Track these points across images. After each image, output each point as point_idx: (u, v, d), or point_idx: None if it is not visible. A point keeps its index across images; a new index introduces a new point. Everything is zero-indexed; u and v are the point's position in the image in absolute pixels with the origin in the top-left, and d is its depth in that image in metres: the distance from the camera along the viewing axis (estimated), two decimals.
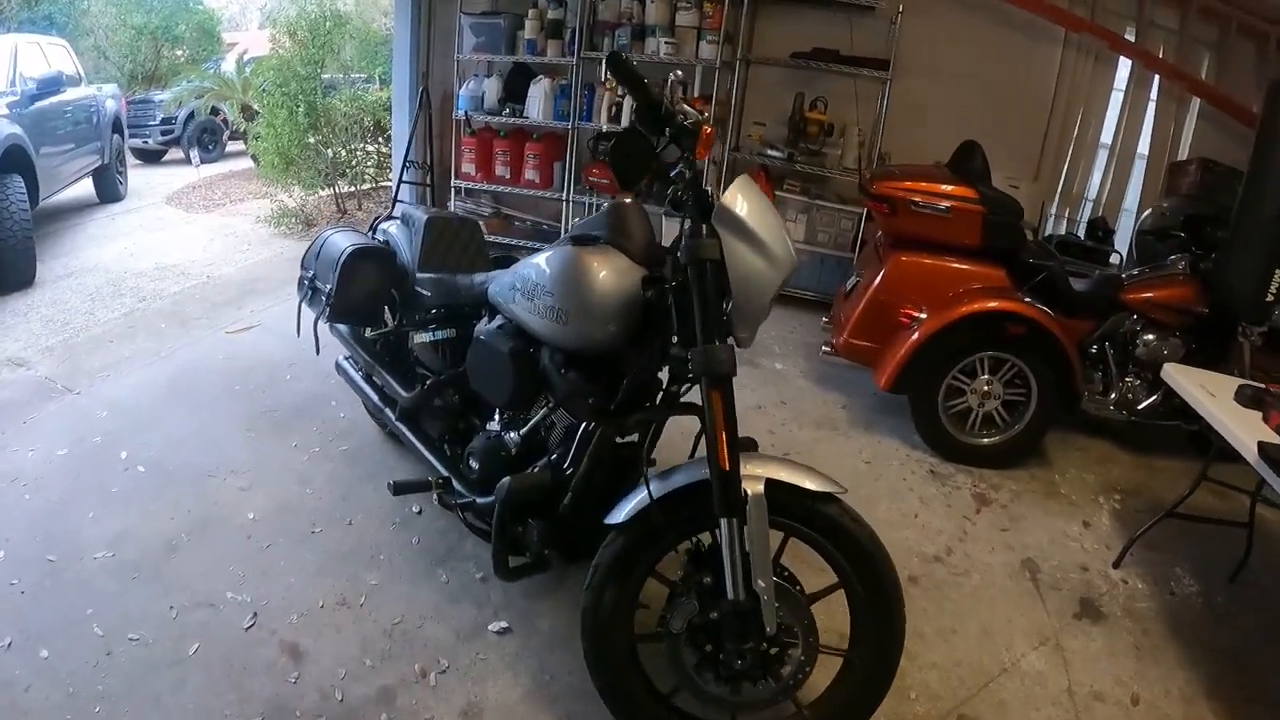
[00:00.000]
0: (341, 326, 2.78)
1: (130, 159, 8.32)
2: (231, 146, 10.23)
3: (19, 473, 2.78)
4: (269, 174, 6.52)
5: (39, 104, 5.63)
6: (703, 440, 1.65)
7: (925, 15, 4.74)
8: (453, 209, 5.76)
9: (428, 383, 2.42)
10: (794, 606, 1.70)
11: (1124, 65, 4.80)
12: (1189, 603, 2.58)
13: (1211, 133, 4.64)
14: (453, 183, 5.68)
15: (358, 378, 2.83)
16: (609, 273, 1.73)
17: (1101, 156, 4.99)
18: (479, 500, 2.12)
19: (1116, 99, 4.88)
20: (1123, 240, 4.64)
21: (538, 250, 1.98)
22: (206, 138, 9.78)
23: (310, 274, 2.63)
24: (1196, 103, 4.70)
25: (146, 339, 3.97)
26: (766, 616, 1.60)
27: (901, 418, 3.51)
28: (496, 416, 2.23)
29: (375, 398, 2.70)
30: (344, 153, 6.84)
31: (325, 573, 2.39)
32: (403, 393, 2.51)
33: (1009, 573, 2.64)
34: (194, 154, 8.57)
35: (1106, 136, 4.95)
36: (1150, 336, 3.32)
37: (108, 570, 2.34)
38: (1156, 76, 4.71)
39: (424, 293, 2.46)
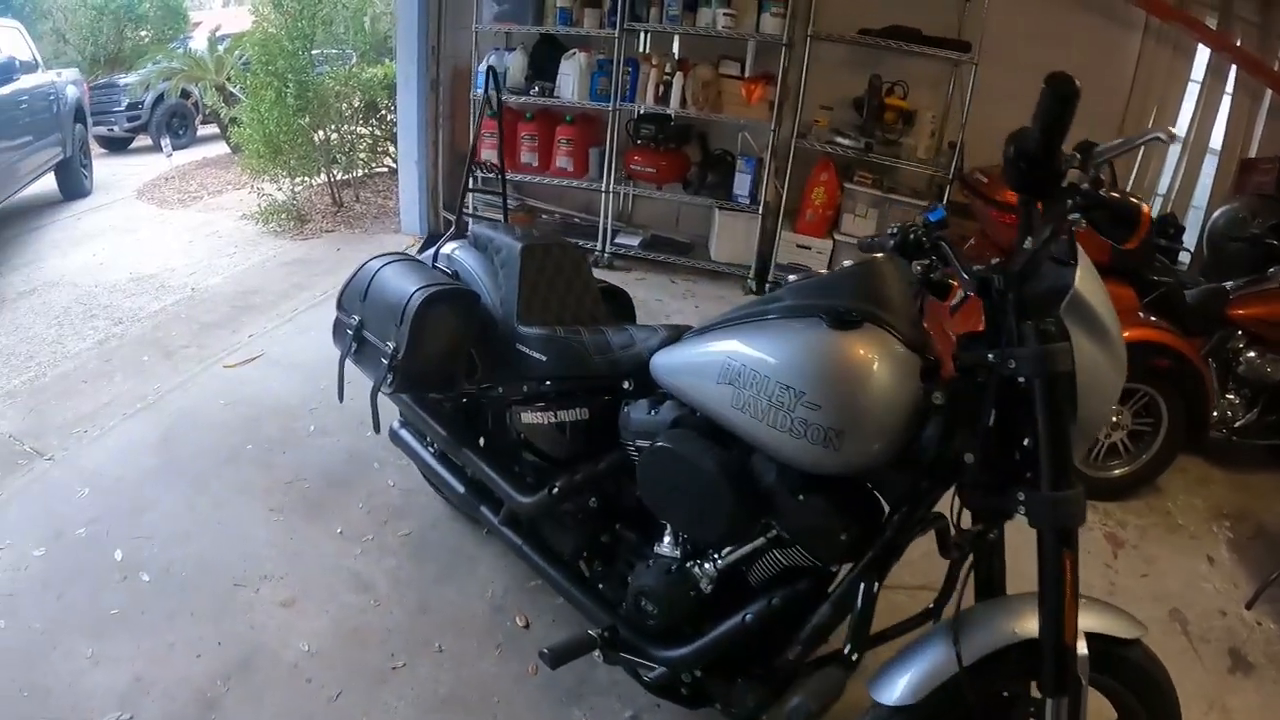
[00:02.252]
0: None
1: (95, 148, 7.51)
2: (203, 130, 9.40)
3: None
4: (254, 164, 5.76)
5: None
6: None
7: None
8: (470, 201, 5.08)
9: (556, 486, 1.78)
10: None
11: (1200, 56, 4.53)
12: None
13: None
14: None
15: (427, 456, 2.20)
16: (889, 370, 1.27)
17: (1173, 151, 4.72)
18: (667, 655, 1.60)
19: (1191, 91, 4.61)
20: (1191, 238, 4.29)
21: (737, 318, 1.44)
22: (177, 123, 8.91)
23: (354, 320, 1.95)
24: (1269, 98, 4.34)
25: (127, 378, 3.28)
26: None
27: None
28: (668, 536, 1.64)
29: (460, 487, 2.08)
30: (336, 136, 6.10)
31: None
32: (517, 495, 1.87)
33: (1163, 628, 2.40)
34: (165, 142, 7.73)
35: (1179, 130, 4.67)
36: (1253, 354, 3.15)
37: None
38: (1233, 69, 4.39)
39: (533, 355, 1.82)
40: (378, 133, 6.73)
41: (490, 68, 2.37)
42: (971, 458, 1.25)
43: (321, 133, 5.93)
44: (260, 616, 2.05)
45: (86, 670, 1.87)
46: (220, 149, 8.39)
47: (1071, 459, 1.21)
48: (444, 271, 2.05)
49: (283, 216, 5.63)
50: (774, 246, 4.67)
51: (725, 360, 1.39)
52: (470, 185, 2.32)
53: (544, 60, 4.74)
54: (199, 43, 8.81)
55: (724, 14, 4.27)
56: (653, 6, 4.37)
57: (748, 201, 4.60)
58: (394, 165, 7.02)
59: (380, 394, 1.95)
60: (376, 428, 1.99)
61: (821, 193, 4.55)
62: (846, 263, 1.47)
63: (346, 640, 2.00)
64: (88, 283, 4.44)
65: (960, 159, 4.29)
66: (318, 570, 2.22)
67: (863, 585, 1.38)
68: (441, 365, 1.86)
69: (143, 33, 10.41)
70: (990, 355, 1.22)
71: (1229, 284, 3.24)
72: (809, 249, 4.64)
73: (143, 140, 8.86)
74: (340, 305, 2.04)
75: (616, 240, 4.89)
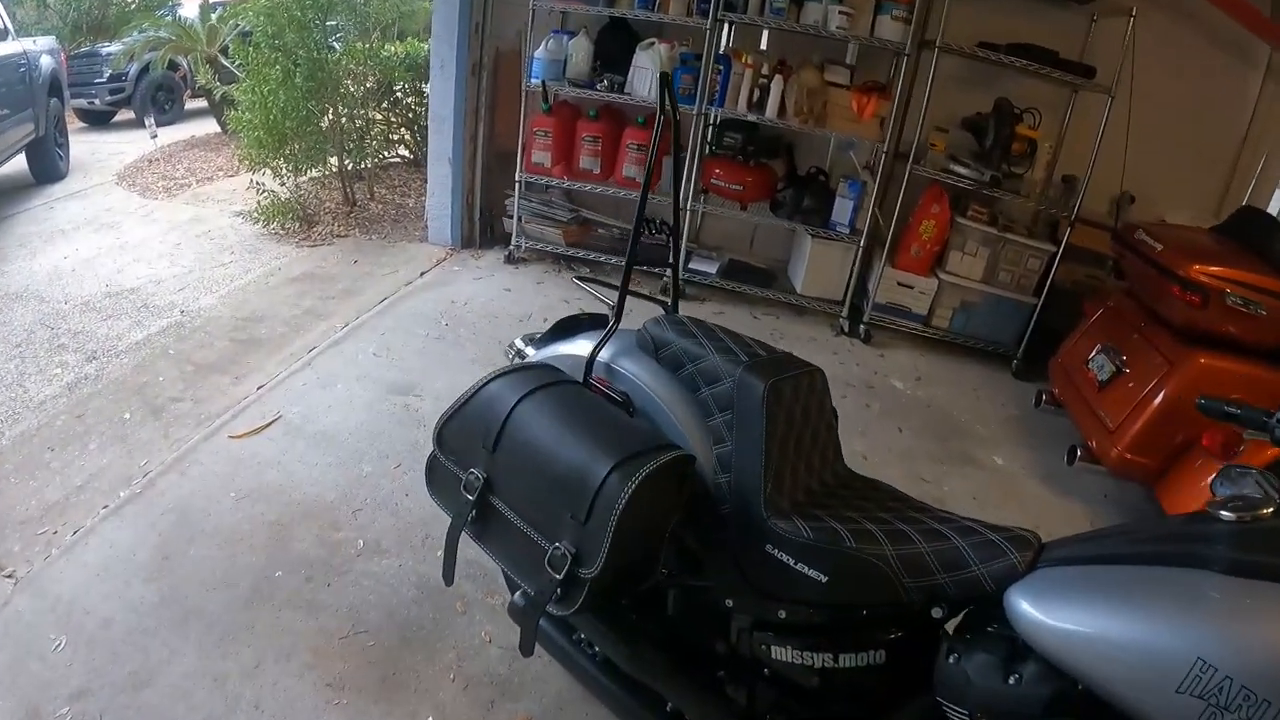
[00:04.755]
0: None
1: (73, 121, 6.77)
2: (191, 105, 8.53)
3: None
4: (254, 154, 4.95)
5: None
6: None
7: (1125, 19, 3.59)
8: (514, 209, 4.33)
9: None
10: None
11: None
12: None
13: None
14: (517, 175, 4.25)
15: (584, 660, 1.52)
16: None
17: (1277, 198, 4.25)
18: None
19: None
20: None
21: (1144, 556, 1.02)
22: (163, 97, 8.05)
23: (475, 478, 1.23)
24: None
25: (105, 446, 2.53)
26: None
27: None
28: None
29: None
30: (345, 121, 5.29)
31: None
32: None
33: None
34: (150, 120, 6.86)
35: None
36: None
37: None
38: None
39: (803, 572, 1.15)
40: (392, 118, 5.96)
41: (663, 73, 1.65)
42: None
43: (329, 117, 5.14)
44: None
45: None
46: (210, 127, 7.59)
47: None
48: (607, 393, 1.35)
49: (286, 217, 4.85)
50: (870, 283, 4.01)
51: (1194, 662, 0.92)
52: (638, 245, 1.51)
53: (611, 49, 4.02)
54: (190, 10, 7.96)
55: (840, 12, 3.57)
56: None
57: (848, 230, 3.92)
58: (408, 155, 6.29)
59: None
60: (529, 649, 1.27)
61: (931, 226, 3.89)
62: None
63: None
64: (56, 297, 3.68)
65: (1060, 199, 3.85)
66: None
67: None
68: (641, 565, 1.17)
69: None
70: None
71: None
72: (911, 288, 4.00)
73: (125, 115, 8.01)
74: (442, 442, 1.31)
75: (690, 265, 4.19)
